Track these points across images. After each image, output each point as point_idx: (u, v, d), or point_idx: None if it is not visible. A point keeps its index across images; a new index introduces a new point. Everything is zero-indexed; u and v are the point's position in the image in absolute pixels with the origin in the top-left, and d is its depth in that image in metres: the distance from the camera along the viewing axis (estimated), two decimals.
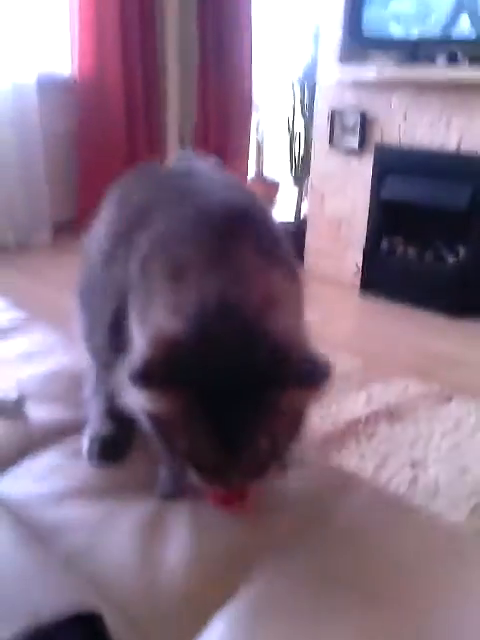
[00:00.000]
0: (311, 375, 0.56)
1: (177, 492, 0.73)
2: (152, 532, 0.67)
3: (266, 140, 4.34)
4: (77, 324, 0.85)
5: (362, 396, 1.97)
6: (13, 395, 0.90)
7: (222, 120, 3.99)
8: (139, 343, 0.62)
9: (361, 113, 2.92)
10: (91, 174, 3.46)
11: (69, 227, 3.46)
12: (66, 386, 0.98)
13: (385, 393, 2.00)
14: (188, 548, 0.65)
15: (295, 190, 3.78)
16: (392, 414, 1.85)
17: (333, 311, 2.68)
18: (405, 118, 2.83)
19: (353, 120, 2.96)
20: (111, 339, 0.73)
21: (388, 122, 2.88)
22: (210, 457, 0.58)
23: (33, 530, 0.68)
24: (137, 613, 0.58)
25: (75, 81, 3.48)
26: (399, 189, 2.87)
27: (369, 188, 2.98)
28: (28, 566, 0.63)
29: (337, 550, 0.67)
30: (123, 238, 0.72)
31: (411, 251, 2.93)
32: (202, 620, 0.58)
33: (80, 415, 0.89)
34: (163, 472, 0.75)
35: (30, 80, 3.24)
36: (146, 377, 0.54)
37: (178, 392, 0.55)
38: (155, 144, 3.83)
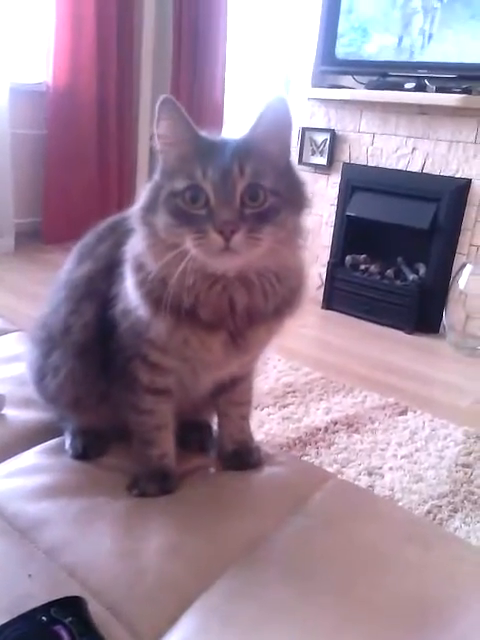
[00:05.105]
0: None
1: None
2: (130, 525, 0.71)
3: None
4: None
5: (322, 406, 2.04)
6: None
7: None
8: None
9: (331, 132, 3.03)
10: (59, 181, 3.48)
11: (33, 234, 3.47)
12: None
13: (344, 404, 2.08)
14: (168, 539, 0.69)
15: None
16: (350, 425, 1.93)
17: (296, 324, 2.74)
18: (373, 139, 2.94)
19: (322, 138, 3.06)
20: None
21: (356, 142, 2.99)
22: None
23: (14, 525, 0.71)
24: (117, 598, 0.62)
25: (48, 87, 3.48)
26: (365, 206, 2.97)
27: (336, 205, 3.08)
28: (10, 559, 0.67)
29: (313, 537, 0.73)
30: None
31: (373, 268, 3.03)
32: (181, 606, 0.62)
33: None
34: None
35: (2, 86, 3.25)
36: None
37: None
38: (126, 152, 3.86)
